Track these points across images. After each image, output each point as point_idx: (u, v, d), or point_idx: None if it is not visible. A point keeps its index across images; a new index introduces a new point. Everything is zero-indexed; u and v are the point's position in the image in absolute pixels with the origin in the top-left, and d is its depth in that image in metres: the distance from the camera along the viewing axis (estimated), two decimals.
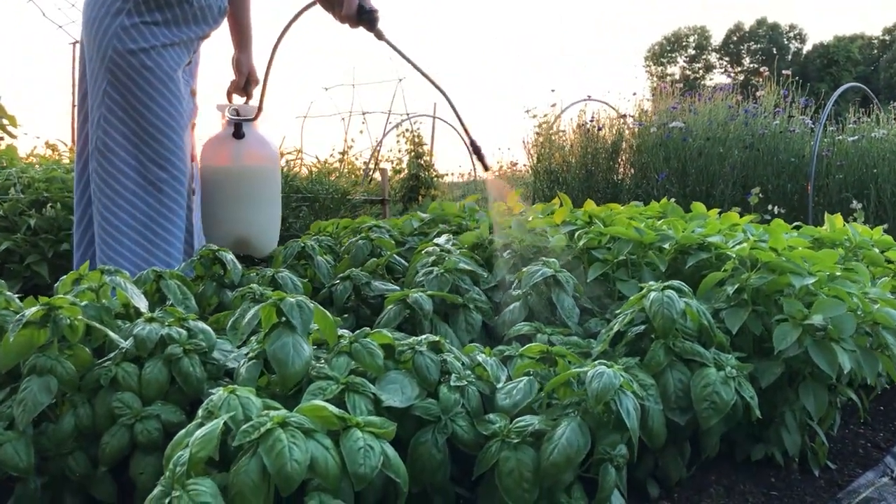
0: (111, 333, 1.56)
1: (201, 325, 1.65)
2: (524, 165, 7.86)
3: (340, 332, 1.60)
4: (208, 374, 1.58)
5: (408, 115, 8.53)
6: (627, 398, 1.38)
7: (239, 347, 1.71)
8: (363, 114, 9.22)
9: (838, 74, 45.48)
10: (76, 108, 2.65)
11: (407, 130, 8.52)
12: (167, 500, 1.10)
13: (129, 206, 2.51)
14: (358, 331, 1.51)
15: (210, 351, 1.60)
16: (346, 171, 7.63)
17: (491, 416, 1.45)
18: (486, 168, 2.52)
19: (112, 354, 1.56)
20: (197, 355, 1.56)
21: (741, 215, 3.91)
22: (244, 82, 2.89)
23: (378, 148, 8.53)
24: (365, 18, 2.19)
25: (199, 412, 1.25)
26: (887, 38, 54.61)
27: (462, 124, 2.36)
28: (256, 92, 2.88)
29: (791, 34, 59.08)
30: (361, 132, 9.49)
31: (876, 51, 53.89)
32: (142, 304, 1.77)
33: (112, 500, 1.50)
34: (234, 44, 2.88)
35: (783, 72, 5.92)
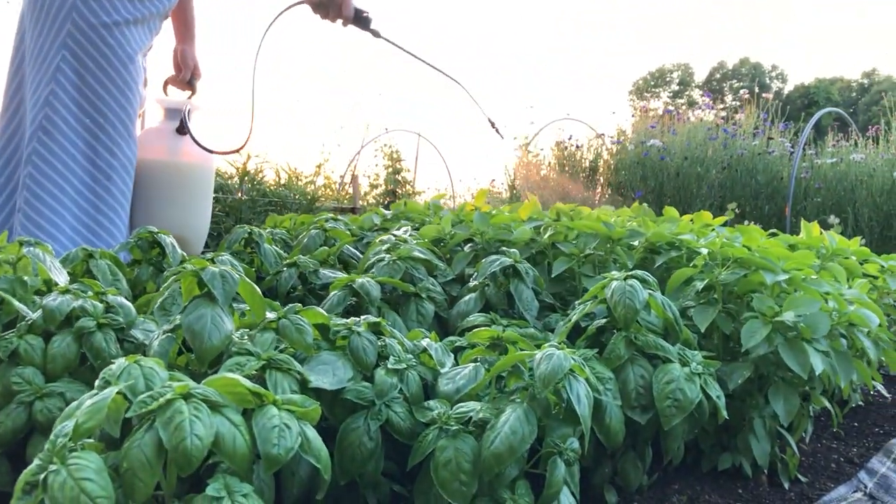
0: (16, 303, 1.42)
1: (121, 300, 1.50)
2: (502, 184, 7.77)
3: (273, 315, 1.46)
4: (125, 353, 1.44)
5: (386, 129, 8.43)
6: (579, 384, 1.25)
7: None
8: (341, 127, 9.12)
9: None
10: (6, 85, 2.49)
11: (385, 145, 8.43)
12: (42, 476, 0.95)
13: (74, 192, 2.36)
14: (288, 306, 1.38)
15: (129, 328, 1.46)
16: (321, 182, 7.51)
17: (430, 402, 1.32)
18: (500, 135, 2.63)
19: (17, 326, 1.41)
20: (113, 331, 1.42)
21: None
22: (189, 76, 2.75)
23: (355, 160, 8.41)
24: (362, 19, 2.30)
25: (97, 382, 1.11)
26: (865, 81, 55.57)
27: (482, 110, 2.54)
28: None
29: (773, 74, 59.99)
30: (339, 145, 9.39)
31: (854, 93, 54.78)
32: (61, 278, 1.62)
33: (8, 486, 1.34)
34: (178, 35, 2.73)
35: (763, 95, 5.89)
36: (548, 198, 6.05)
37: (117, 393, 1.06)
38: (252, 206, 4.54)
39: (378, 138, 8.41)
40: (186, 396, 1.03)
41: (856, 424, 2.34)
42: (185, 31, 2.73)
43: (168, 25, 2.71)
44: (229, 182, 4.71)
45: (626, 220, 2.34)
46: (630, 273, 1.61)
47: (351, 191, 6.79)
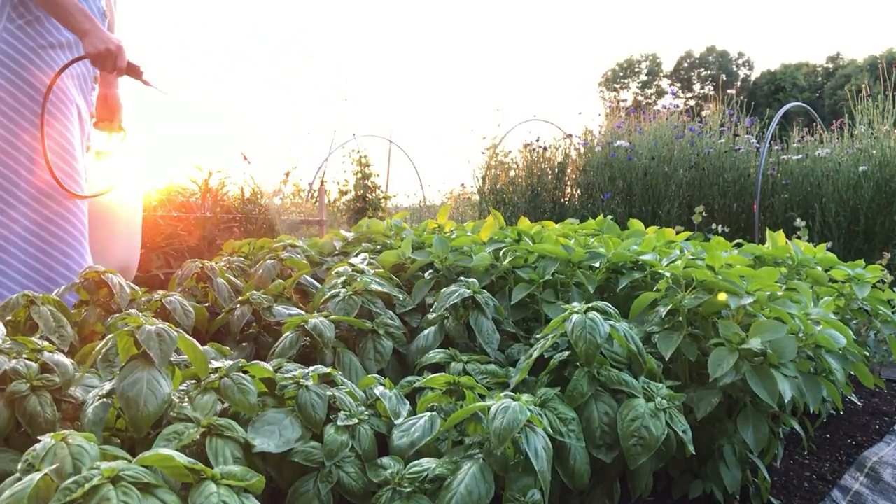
0: None
1: (59, 357, 1.42)
2: (472, 187, 7.70)
3: (221, 364, 1.39)
4: (63, 414, 1.36)
5: (354, 135, 8.34)
6: (537, 436, 1.20)
7: (110, 381, 1.49)
8: (308, 133, 9.02)
9: (785, 100, 46.46)
10: None
11: (353, 151, 8.34)
12: None
13: (24, 213, 2.33)
14: (231, 363, 1.31)
15: (66, 387, 1.38)
16: (290, 190, 7.43)
17: (384, 459, 1.26)
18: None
19: None
20: (48, 393, 1.34)
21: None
22: (121, 118, 2.72)
23: (323, 167, 8.31)
24: (134, 70, 2.46)
25: (19, 465, 1.04)
26: (830, 66, 56.14)
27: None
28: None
29: (740, 61, 60.45)
30: (306, 154, 9.28)
31: (820, 78, 55.31)
32: None
33: None
34: (104, 80, 2.69)
35: (727, 91, 5.88)
36: (517, 201, 6.00)
37: (43, 476, 0.99)
38: (216, 223, 4.44)
39: (346, 144, 8.32)
40: (115, 480, 0.97)
41: (828, 436, 2.31)
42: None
43: None
44: (192, 199, 4.61)
45: (588, 239, 2.29)
46: (590, 305, 1.56)
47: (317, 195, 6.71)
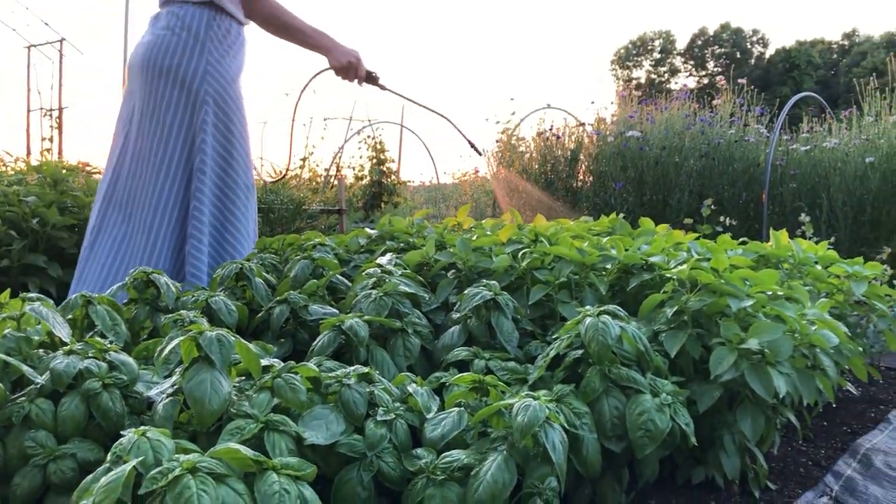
0: (25, 368, 1.50)
1: (123, 356, 1.59)
2: (485, 173, 7.83)
3: (268, 362, 1.56)
4: (130, 409, 1.53)
5: (370, 121, 8.47)
6: (554, 431, 1.35)
7: (167, 377, 1.66)
8: (325, 119, 9.15)
9: (800, 78, 46.19)
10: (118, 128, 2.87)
11: (369, 137, 8.48)
12: None
13: (211, 216, 2.79)
14: (282, 365, 1.47)
15: (131, 384, 1.55)
16: (307, 178, 7.57)
17: (418, 451, 1.42)
18: (478, 153, 3.18)
19: (27, 390, 1.50)
20: (117, 389, 1.51)
21: (694, 226, 3.94)
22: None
23: (339, 154, 8.45)
24: (372, 77, 2.89)
25: (108, 456, 1.20)
26: (846, 42, 55.57)
27: (462, 135, 3.12)
28: None
29: (754, 38, 59.91)
30: (323, 138, 9.43)
31: (836, 55, 54.79)
32: (63, 332, 1.71)
33: None
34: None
35: (738, 80, 5.97)
36: (531, 190, 6.13)
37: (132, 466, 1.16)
38: None
39: (362, 130, 8.45)
40: (193, 470, 1.13)
41: (825, 424, 2.46)
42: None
43: None
44: None
45: (600, 239, 2.43)
46: (602, 309, 1.71)
47: (336, 182, 6.86)
